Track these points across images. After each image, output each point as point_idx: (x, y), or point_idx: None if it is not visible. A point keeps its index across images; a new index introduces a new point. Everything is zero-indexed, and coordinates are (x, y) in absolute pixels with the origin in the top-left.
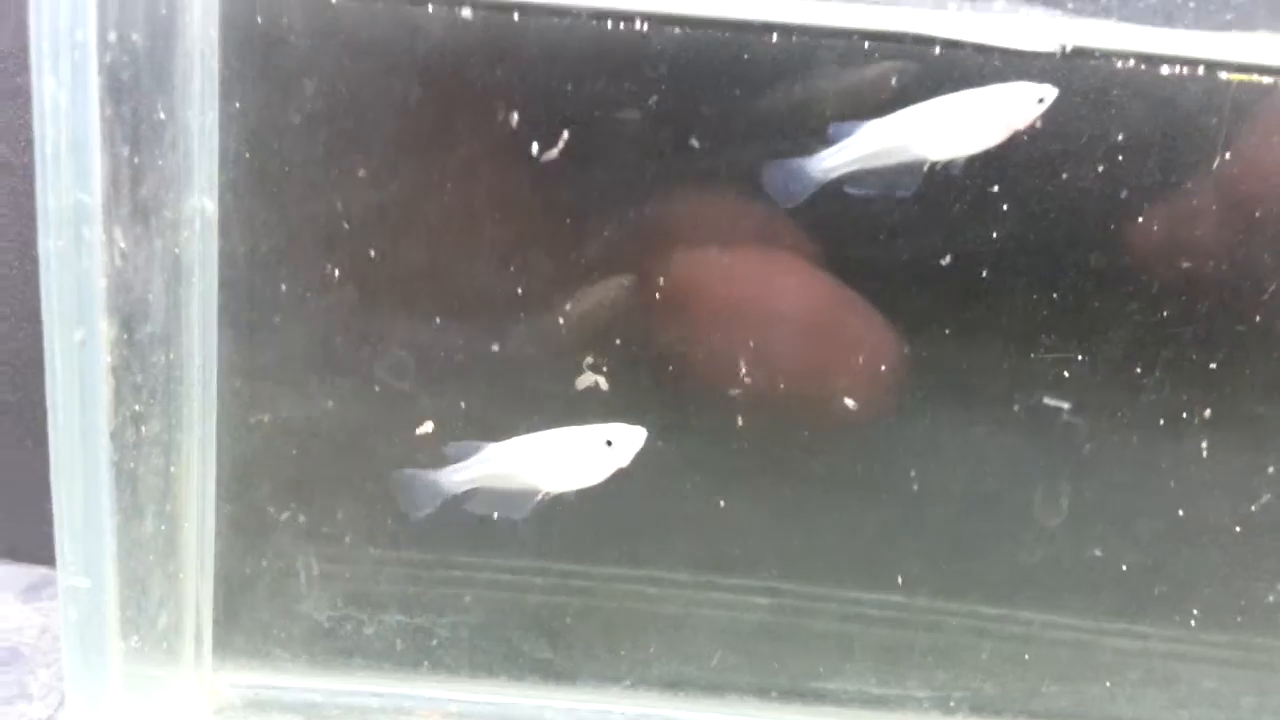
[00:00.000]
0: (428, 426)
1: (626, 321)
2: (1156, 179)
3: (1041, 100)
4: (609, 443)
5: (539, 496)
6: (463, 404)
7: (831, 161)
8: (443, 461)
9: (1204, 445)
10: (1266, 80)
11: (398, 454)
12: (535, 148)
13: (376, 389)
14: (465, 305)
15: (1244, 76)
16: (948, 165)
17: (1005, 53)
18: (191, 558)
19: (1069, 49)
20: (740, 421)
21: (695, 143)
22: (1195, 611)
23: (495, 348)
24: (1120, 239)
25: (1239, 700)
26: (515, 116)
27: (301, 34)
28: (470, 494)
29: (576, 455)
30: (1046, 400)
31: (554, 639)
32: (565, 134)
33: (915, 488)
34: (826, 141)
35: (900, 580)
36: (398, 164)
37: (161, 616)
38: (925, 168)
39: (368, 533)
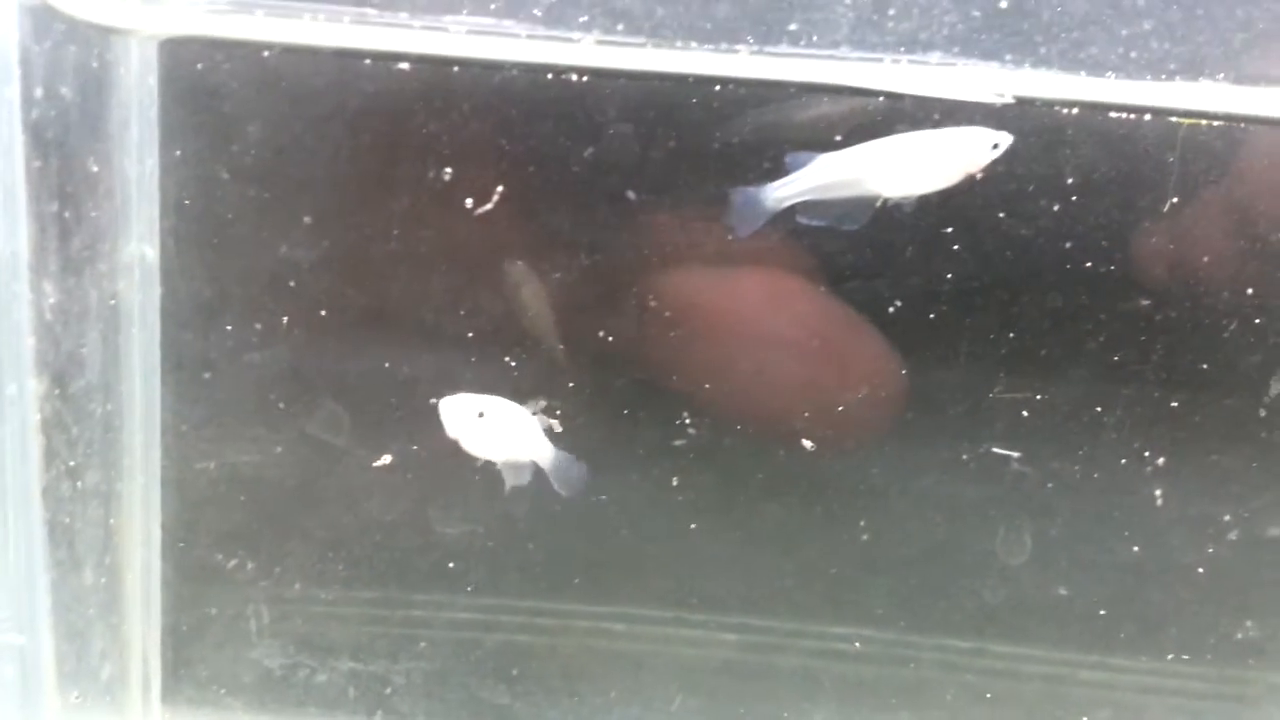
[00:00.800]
0: (385, 459)
1: (575, 363)
2: (1112, 219)
3: (996, 146)
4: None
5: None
6: (414, 446)
7: (785, 191)
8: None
9: (1159, 491)
10: (1216, 124)
11: (346, 497)
12: (470, 200)
13: (323, 434)
14: (409, 351)
15: (1194, 121)
16: (900, 203)
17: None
18: (136, 608)
19: (1012, 99)
20: (697, 459)
21: (631, 194)
22: (1164, 648)
23: (443, 389)
24: (1077, 279)
25: None
26: (451, 169)
27: (243, 83)
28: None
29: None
30: (995, 449)
31: (511, 684)
32: (500, 187)
33: (880, 525)
34: (781, 171)
35: (866, 618)
36: (338, 212)
37: (105, 668)
38: (878, 204)
39: (318, 578)
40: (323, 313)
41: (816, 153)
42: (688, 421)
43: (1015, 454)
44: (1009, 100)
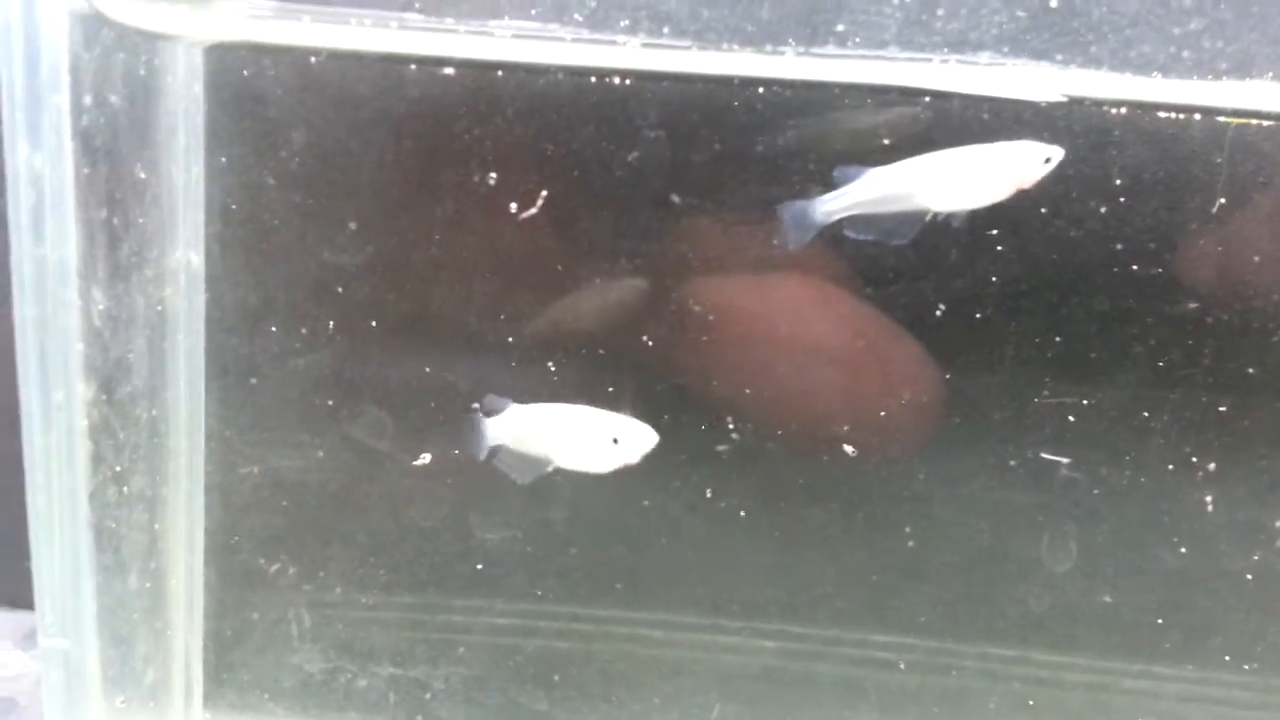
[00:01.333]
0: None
1: (617, 367)
2: (1160, 220)
3: (1049, 160)
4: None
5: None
6: (455, 451)
7: (833, 205)
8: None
9: (1207, 497)
10: (1266, 124)
11: (387, 503)
12: (514, 205)
13: (366, 439)
14: (454, 357)
15: (1242, 120)
16: (949, 217)
17: (996, 102)
18: (179, 613)
19: (1062, 98)
20: (738, 466)
21: (675, 198)
22: (1209, 657)
23: (484, 392)
24: (1124, 281)
25: None
26: (496, 173)
27: (288, 89)
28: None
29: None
30: (1044, 455)
31: (550, 689)
32: (543, 192)
33: (924, 531)
34: (830, 185)
35: (908, 625)
36: (383, 218)
37: (148, 673)
38: (927, 218)
39: (359, 583)
40: (366, 318)
41: (866, 167)
42: (730, 427)
43: (1064, 460)
44: (1060, 99)
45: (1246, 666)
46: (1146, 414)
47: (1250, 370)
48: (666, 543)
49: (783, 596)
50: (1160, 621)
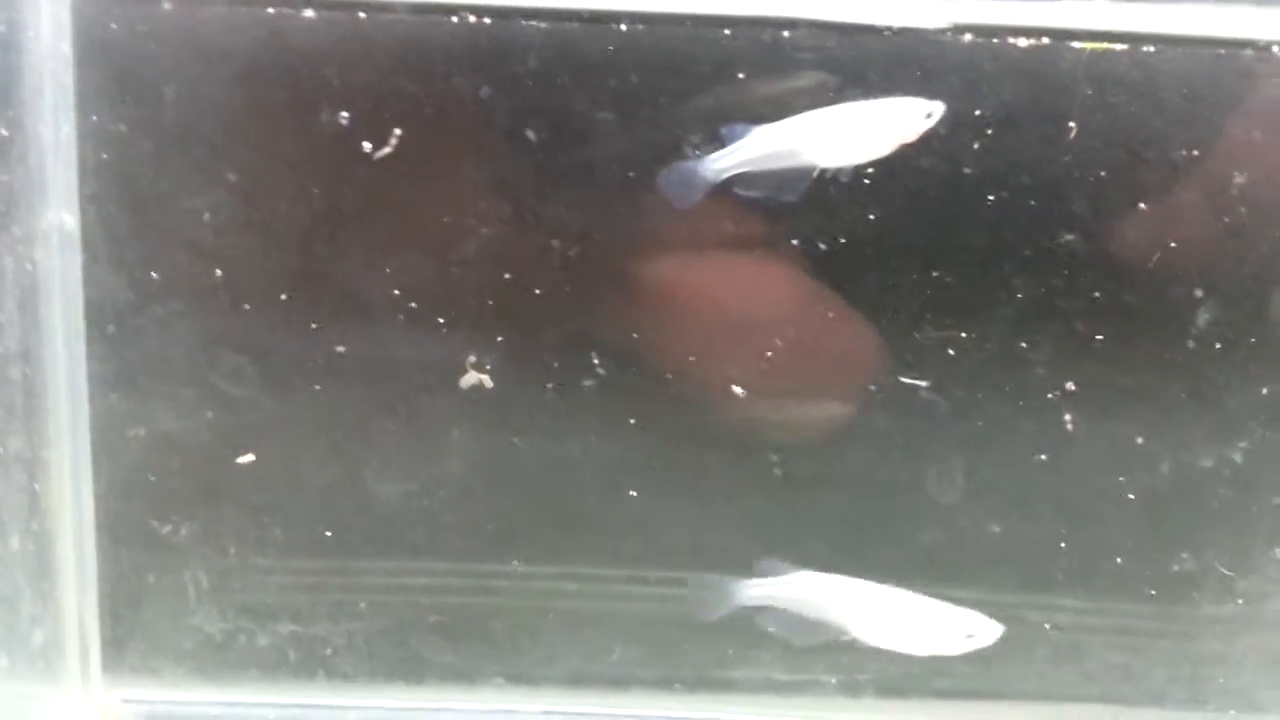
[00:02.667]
0: (248, 457)
1: (506, 317)
2: (1030, 154)
3: (930, 115)
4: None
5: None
6: (346, 414)
7: (723, 163)
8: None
9: (1088, 426)
10: (1118, 47)
11: (279, 462)
12: (385, 148)
13: (254, 397)
14: (341, 308)
15: (1096, 45)
16: (837, 172)
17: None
18: (69, 575)
19: (949, 25)
20: (635, 414)
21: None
22: (1100, 585)
23: (375, 349)
24: (1000, 215)
25: (1150, 672)
26: (366, 120)
27: (159, 43)
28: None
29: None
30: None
31: (454, 641)
32: (432, 139)
33: (812, 471)
34: (718, 142)
35: (801, 565)
36: (259, 172)
37: (35, 634)
38: (814, 174)
39: (255, 543)
40: (247, 274)
41: (752, 125)
42: (595, 363)
43: (923, 383)
44: (945, 26)
45: (1145, 592)
46: (1025, 345)
47: (1127, 299)
48: (563, 494)
49: (681, 544)
50: (1051, 551)
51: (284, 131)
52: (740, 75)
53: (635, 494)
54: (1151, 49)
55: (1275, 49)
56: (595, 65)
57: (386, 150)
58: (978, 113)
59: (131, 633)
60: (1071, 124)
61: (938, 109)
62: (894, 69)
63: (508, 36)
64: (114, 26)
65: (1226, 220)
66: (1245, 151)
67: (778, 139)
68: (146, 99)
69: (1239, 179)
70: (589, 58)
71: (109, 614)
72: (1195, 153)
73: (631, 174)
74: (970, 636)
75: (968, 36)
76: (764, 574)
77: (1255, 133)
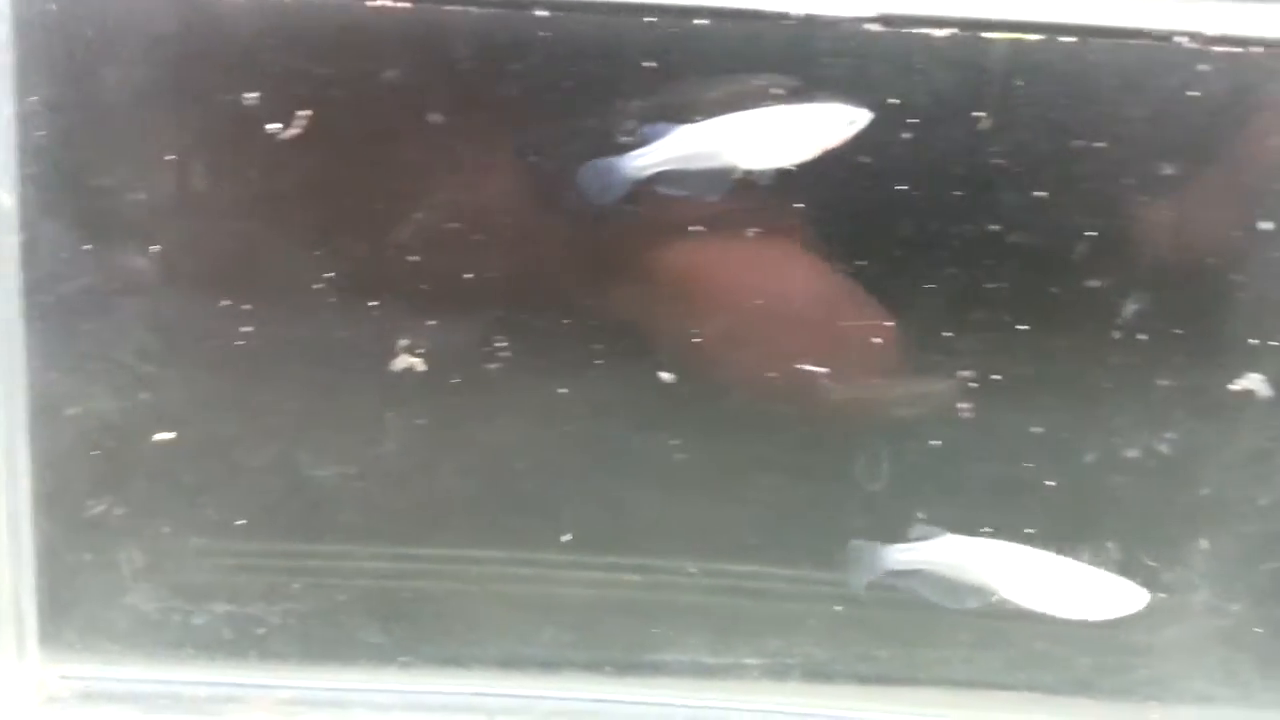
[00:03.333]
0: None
1: (437, 301)
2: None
3: (853, 122)
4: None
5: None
6: (280, 397)
7: (644, 160)
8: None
9: (1012, 414)
10: (1032, 38)
11: (213, 443)
12: (300, 128)
13: (190, 378)
14: (275, 290)
15: (1009, 35)
16: (759, 174)
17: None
18: (4, 553)
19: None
20: (564, 398)
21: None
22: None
23: (309, 332)
24: (927, 206)
25: (1074, 660)
26: (301, 104)
27: (96, 24)
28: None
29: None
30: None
31: (385, 622)
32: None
33: (740, 455)
34: (640, 141)
35: (730, 551)
36: (194, 150)
37: None
38: (736, 175)
39: (189, 523)
40: (184, 255)
41: (675, 124)
42: (549, 354)
43: (823, 370)
44: (871, 14)
45: None
46: (950, 335)
47: (1053, 289)
48: (495, 477)
49: (609, 528)
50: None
51: (218, 113)
52: (660, 64)
53: (566, 476)
54: (1074, 40)
55: (1182, 40)
56: (518, 51)
57: (318, 133)
58: (900, 103)
59: (68, 610)
60: (986, 114)
61: (861, 116)
62: (817, 58)
63: (433, 20)
64: (52, 8)
65: (1153, 211)
66: (1170, 142)
67: (700, 139)
68: (84, 80)
69: (1166, 170)
70: (512, 43)
71: (46, 591)
72: (1120, 143)
73: (560, 159)
74: (1121, 601)
75: (883, 27)
76: (916, 539)
77: (1177, 124)
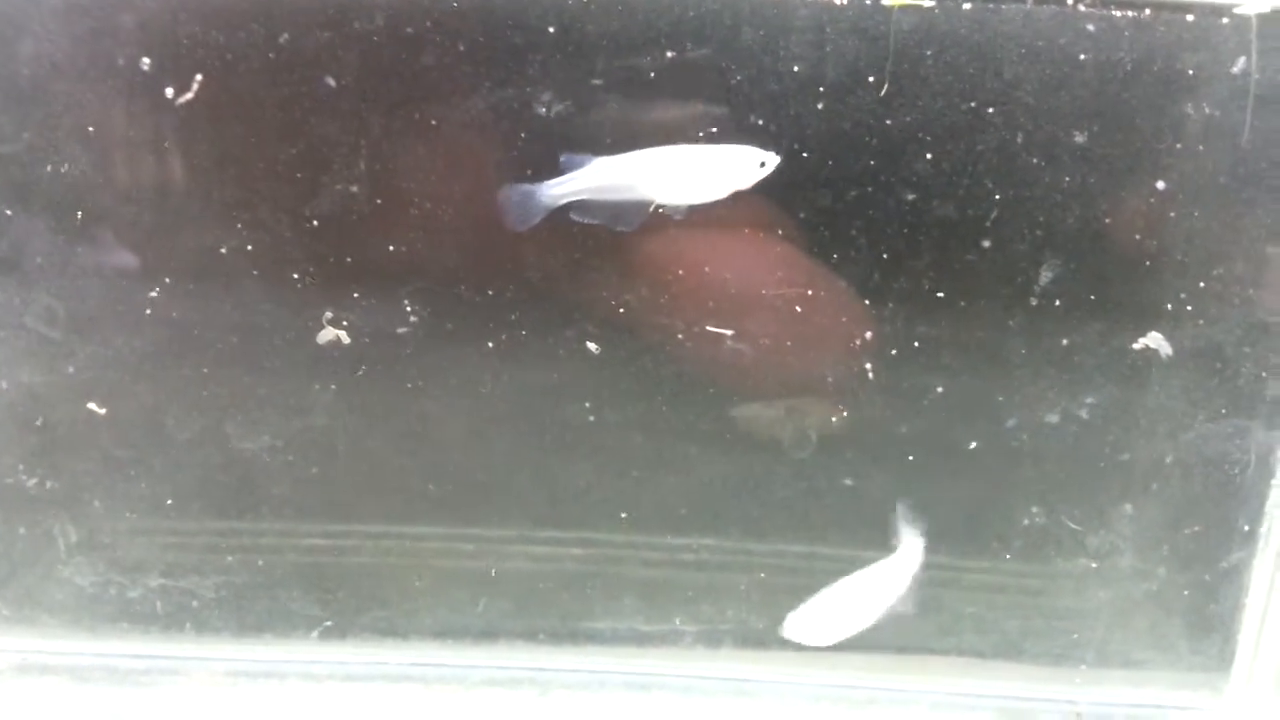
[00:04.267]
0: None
1: (362, 273)
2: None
3: (764, 164)
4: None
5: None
6: (218, 365)
7: (560, 190)
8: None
9: (932, 383)
10: (926, 4)
11: (141, 415)
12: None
13: (115, 353)
14: (198, 262)
15: (903, 2)
16: (671, 209)
17: None
18: None
19: None
20: (490, 367)
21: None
22: (953, 539)
23: (230, 305)
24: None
25: (1002, 624)
26: (199, 68)
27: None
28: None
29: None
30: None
31: (321, 594)
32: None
33: (668, 425)
34: (557, 170)
35: (661, 520)
36: (108, 122)
37: None
38: (651, 209)
39: (122, 497)
40: (99, 224)
41: (591, 156)
42: (476, 324)
43: (728, 331)
44: None
45: (996, 547)
46: (869, 303)
47: (969, 257)
48: (424, 449)
49: (542, 499)
50: (903, 505)
51: (132, 83)
52: (573, 32)
53: (497, 448)
54: (975, 5)
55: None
56: (428, 16)
57: (222, 100)
58: (813, 72)
59: (3, 584)
60: (888, 82)
61: (771, 159)
62: (728, 28)
63: None
64: None
65: (1068, 176)
66: (1080, 108)
67: (615, 173)
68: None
69: (1078, 138)
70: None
71: None
72: (1030, 110)
73: (483, 131)
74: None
75: None
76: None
77: (1085, 89)
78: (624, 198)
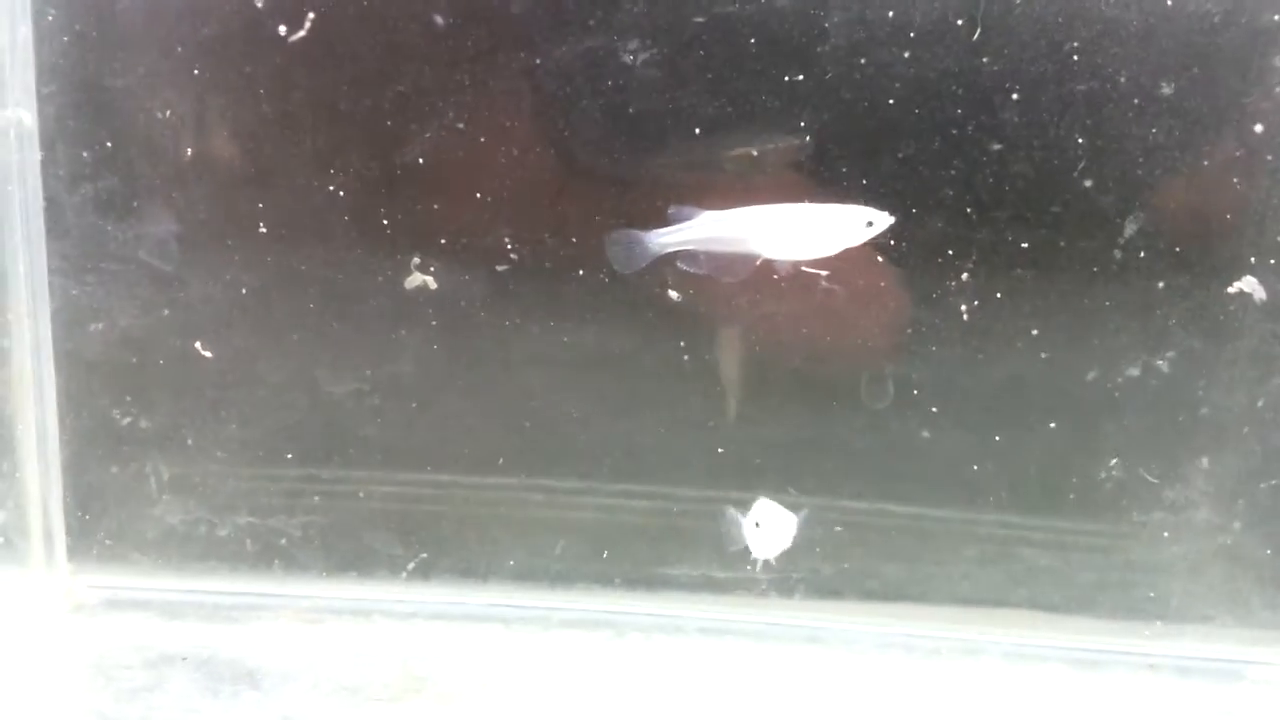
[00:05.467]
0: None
1: (449, 219)
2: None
3: (871, 224)
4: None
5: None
6: (308, 309)
7: (668, 239)
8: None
9: (1011, 334)
10: None
11: (234, 358)
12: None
13: (210, 294)
14: (292, 206)
15: None
16: (779, 263)
17: None
18: (31, 460)
19: None
20: (581, 319)
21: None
22: (1028, 491)
23: (321, 251)
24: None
25: (1076, 577)
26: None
27: None
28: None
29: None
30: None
31: (404, 535)
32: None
33: (741, 376)
34: (665, 220)
35: (735, 471)
36: (211, 67)
37: None
38: (758, 261)
39: (213, 437)
40: (202, 172)
41: (699, 209)
42: (564, 275)
43: (823, 272)
44: None
45: (1072, 500)
46: (952, 253)
47: (1054, 209)
48: (509, 398)
49: (617, 452)
50: (979, 457)
51: (237, 30)
52: None
53: (580, 398)
54: None
55: None
56: None
57: (340, 51)
58: (897, 18)
59: (96, 521)
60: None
61: (881, 219)
62: None
63: None
64: None
65: (1154, 130)
66: (1173, 63)
67: (724, 227)
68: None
69: (1166, 89)
70: None
71: (74, 502)
72: (1120, 63)
73: (572, 81)
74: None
75: None
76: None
77: (1183, 47)
78: (730, 250)
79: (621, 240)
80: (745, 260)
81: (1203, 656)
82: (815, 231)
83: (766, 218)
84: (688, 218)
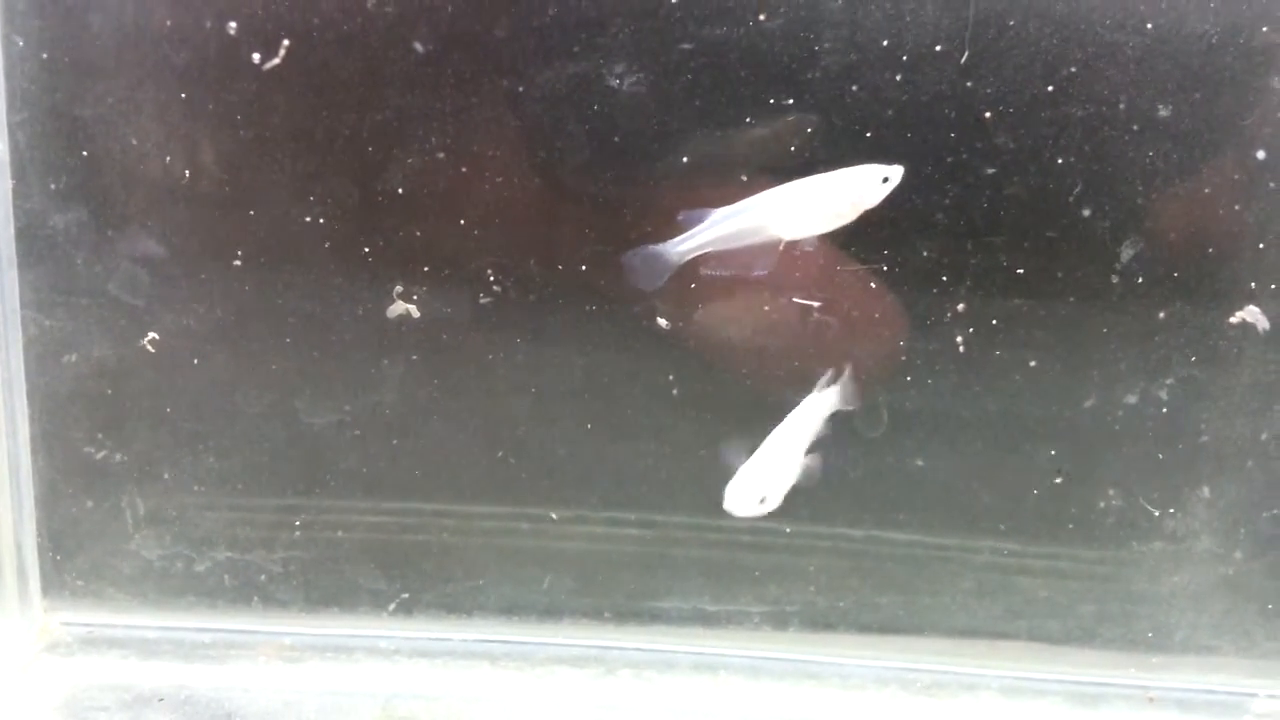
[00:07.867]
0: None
1: (430, 248)
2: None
3: (886, 180)
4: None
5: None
6: (287, 339)
7: (685, 246)
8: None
9: (1006, 359)
10: None
11: (211, 389)
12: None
13: (187, 325)
14: (269, 236)
15: None
16: (801, 243)
17: None
18: (3, 493)
19: None
20: (567, 346)
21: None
22: (1026, 521)
23: (301, 280)
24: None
25: (1076, 609)
26: (287, 40)
27: None
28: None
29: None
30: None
31: (386, 569)
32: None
33: (732, 403)
34: (677, 228)
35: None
36: (181, 94)
37: None
38: (780, 246)
39: (190, 470)
40: (176, 200)
41: (708, 210)
42: (551, 303)
43: (815, 303)
44: None
45: (1072, 529)
46: (946, 278)
47: (1051, 234)
48: (493, 427)
49: (605, 482)
50: (977, 485)
51: (209, 57)
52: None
53: (566, 427)
54: None
55: None
56: None
57: (318, 78)
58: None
59: (70, 557)
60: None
61: (895, 173)
62: None
63: None
64: None
65: (1151, 153)
66: (1171, 86)
67: (738, 219)
68: (72, 25)
69: (1163, 112)
70: None
71: (48, 538)
72: (1117, 86)
73: (558, 104)
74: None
75: None
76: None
77: (1180, 69)
78: (751, 241)
79: (639, 257)
80: (768, 248)
81: (1205, 689)
82: (831, 201)
83: (780, 199)
84: (700, 220)
